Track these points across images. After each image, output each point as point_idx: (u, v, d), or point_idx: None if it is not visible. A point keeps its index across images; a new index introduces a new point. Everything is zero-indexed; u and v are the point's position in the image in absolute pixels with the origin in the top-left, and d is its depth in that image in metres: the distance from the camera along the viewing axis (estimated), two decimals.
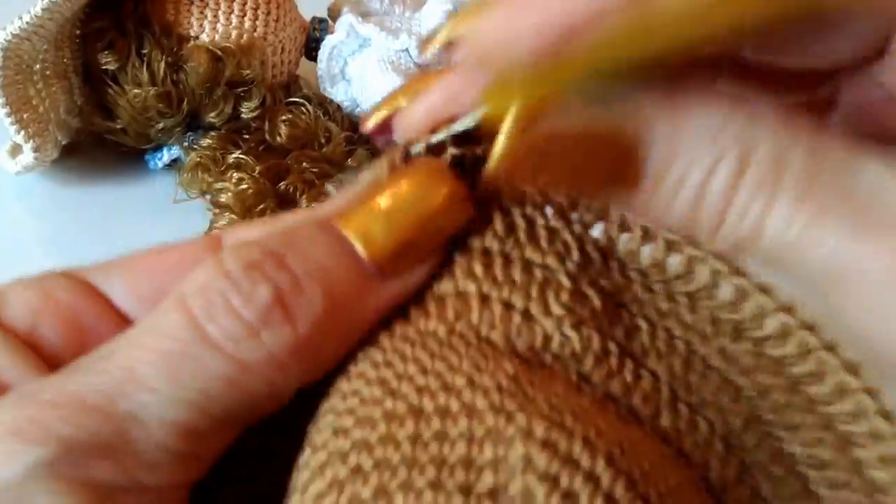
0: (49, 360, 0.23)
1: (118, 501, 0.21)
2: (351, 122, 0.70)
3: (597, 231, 0.24)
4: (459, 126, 0.24)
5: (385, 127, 0.26)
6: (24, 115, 0.62)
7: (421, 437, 0.21)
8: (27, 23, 0.58)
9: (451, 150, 0.24)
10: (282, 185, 0.63)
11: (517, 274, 0.24)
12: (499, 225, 0.24)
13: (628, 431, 0.23)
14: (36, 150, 0.63)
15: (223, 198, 0.62)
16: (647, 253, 0.24)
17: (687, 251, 0.24)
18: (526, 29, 0.21)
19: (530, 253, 0.24)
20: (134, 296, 0.25)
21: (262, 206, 0.61)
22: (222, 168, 0.63)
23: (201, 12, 0.66)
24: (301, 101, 0.68)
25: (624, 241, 0.24)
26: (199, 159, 0.64)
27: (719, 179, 0.22)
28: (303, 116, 0.66)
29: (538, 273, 0.24)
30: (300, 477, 0.22)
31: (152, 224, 0.64)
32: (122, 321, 0.25)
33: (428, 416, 0.21)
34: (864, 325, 0.21)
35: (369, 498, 0.20)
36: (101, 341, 0.24)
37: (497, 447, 0.20)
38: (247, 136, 0.66)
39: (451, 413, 0.21)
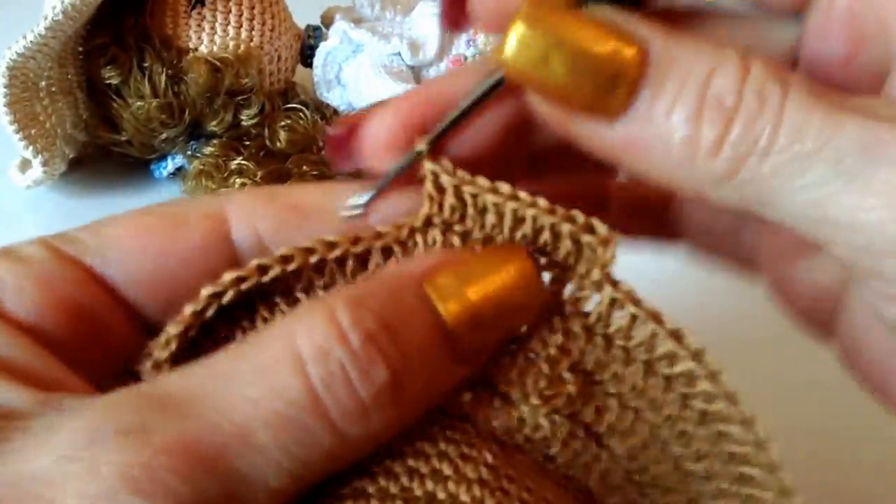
0: (55, 351, 0.23)
1: None
2: None
3: (590, 306, 0.25)
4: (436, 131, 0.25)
5: (344, 144, 0.27)
6: (32, 132, 0.64)
7: None
8: (31, 42, 0.60)
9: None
10: None
11: (502, 357, 0.25)
12: None
13: None
14: (45, 164, 0.65)
15: None
16: (638, 332, 0.24)
17: (682, 340, 0.24)
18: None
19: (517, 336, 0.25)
20: (141, 286, 0.25)
21: None
22: (225, 174, 0.65)
23: (199, 25, 0.67)
24: (299, 106, 0.69)
25: (616, 318, 0.24)
26: (202, 167, 0.65)
27: (722, 82, 0.22)
28: (301, 122, 0.68)
29: (521, 357, 0.25)
30: None
31: None
32: (127, 310, 0.25)
33: (417, 501, 0.22)
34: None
35: None
36: (106, 331, 0.24)
37: None
38: (247, 143, 0.67)
39: (438, 501, 0.22)
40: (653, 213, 0.34)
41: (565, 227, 0.24)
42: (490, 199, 0.25)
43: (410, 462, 0.23)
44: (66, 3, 0.58)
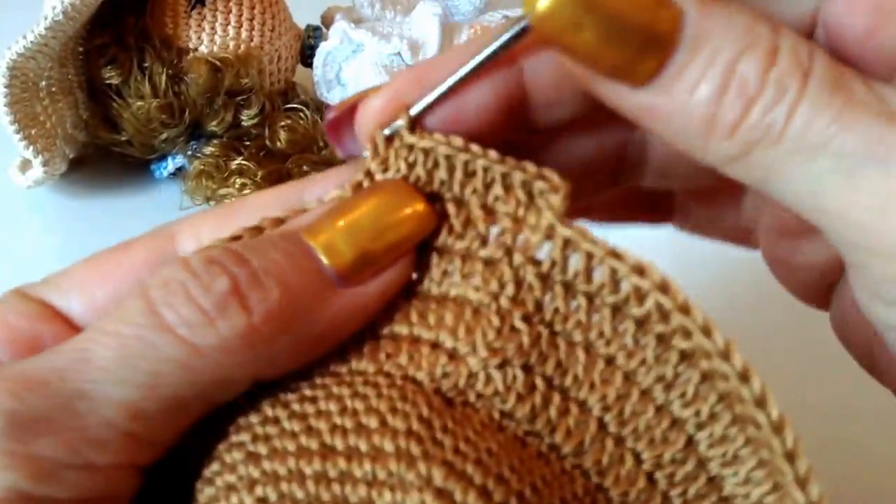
0: None
1: (64, 478, 0.21)
2: None
3: (543, 251, 0.24)
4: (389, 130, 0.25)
5: (341, 128, 0.27)
6: (33, 132, 0.64)
7: (326, 475, 0.21)
8: (31, 42, 0.60)
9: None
10: None
11: (449, 314, 0.24)
12: (437, 267, 0.25)
13: (546, 469, 0.23)
14: (45, 164, 0.65)
15: None
16: (599, 273, 0.23)
17: (645, 274, 0.23)
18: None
19: (464, 291, 0.24)
20: (93, 312, 0.25)
21: None
22: (225, 174, 0.65)
23: (199, 25, 0.67)
24: (299, 106, 0.69)
25: (573, 262, 0.24)
26: (202, 167, 0.65)
27: (748, 66, 0.22)
28: (301, 122, 0.68)
29: (468, 311, 0.24)
30: (205, 490, 0.23)
31: None
32: None
33: (336, 455, 0.22)
34: None
35: None
36: None
37: (395, 493, 0.21)
38: (248, 143, 0.67)
39: (358, 454, 0.21)
40: (648, 196, 0.34)
41: (517, 177, 0.24)
42: (442, 151, 0.24)
43: (336, 419, 0.22)
44: (66, 3, 0.58)
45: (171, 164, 0.69)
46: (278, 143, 0.67)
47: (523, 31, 0.24)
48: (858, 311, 0.26)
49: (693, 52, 0.22)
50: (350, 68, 0.70)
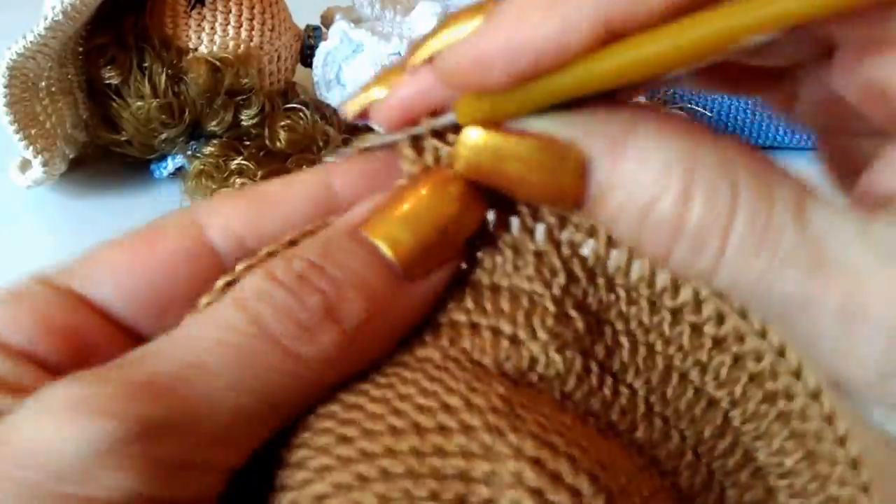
0: (52, 373, 0.24)
1: (177, 480, 0.22)
2: (347, 126, 0.71)
3: (587, 249, 0.25)
4: (439, 123, 0.25)
5: (365, 113, 0.27)
6: (32, 132, 0.64)
7: (421, 450, 0.22)
8: (31, 42, 0.60)
9: (434, 143, 0.25)
10: None
11: (505, 302, 0.26)
12: (487, 258, 0.26)
13: (608, 446, 0.24)
14: (45, 164, 0.65)
15: None
16: (637, 268, 0.25)
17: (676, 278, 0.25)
18: (495, 54, 0.21)
19: (517, 281, 0.26)
20: (129, 302, 0.26)
21: None
22: (225, 174, 0.65)
23: (199, 25, 0.68)
24: (299, 106, 0.69)
25: (614, 257, 0.25)
26: (202, 167, 0.65)
27: (663, 207, 0.22)
28: (301, 122, 0.68)
29: (524, 300, 0.26)
30: (294, 475, 0.24)
31: None
32: (121, 330, 0.26)
33: (427, 431, 0.23)
34: (829, 349, 0.22)
35: None
36: (103, 354, 0.25)
37: (490, 463, 0.22)
38: (248, 143, 0.67)
39: (449, 430, 0.23)
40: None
41: None
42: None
43: (419, 400, 0.24)
44: (65, 3, 0.58)
45: (170, 164, 0.69)
46: (278, 143, 0.67)
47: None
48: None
49: (600, 206, 0.23)
50: (350, 68, 0.70)
